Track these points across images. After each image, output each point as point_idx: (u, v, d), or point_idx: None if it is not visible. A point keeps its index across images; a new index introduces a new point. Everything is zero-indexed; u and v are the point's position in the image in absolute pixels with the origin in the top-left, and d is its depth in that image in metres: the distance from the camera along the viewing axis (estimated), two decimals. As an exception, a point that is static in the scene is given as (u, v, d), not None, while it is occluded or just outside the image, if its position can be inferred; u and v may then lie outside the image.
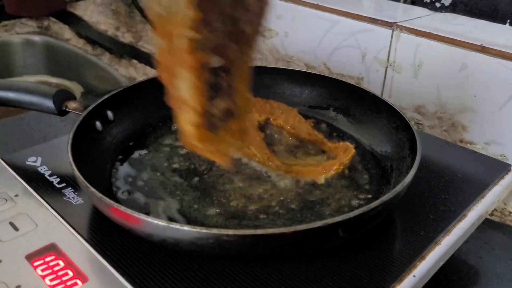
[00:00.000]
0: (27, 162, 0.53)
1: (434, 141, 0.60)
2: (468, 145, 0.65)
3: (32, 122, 0.76)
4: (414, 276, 0.40)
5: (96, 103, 0.53)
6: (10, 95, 0.53)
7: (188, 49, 0.31)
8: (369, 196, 0.47)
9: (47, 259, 0.41)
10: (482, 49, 0.61)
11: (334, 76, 0.78)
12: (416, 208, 0.47)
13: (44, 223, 0.45)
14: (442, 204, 0.48)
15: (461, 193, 0.50)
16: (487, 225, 0.59)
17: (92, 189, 0.39)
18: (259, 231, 0.35)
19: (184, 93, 0.33)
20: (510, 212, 0.62)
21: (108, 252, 0.41)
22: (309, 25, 0.80)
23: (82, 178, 0.40)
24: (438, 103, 0.67)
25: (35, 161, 0.53)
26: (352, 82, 0.76)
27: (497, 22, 0.69)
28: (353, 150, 0.49)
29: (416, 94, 0.69)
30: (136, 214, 0.36)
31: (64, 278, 0.39)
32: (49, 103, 0.53)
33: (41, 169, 0.52)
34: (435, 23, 0.69)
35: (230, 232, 0.35)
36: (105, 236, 0.42)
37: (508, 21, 0.70)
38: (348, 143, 0.51)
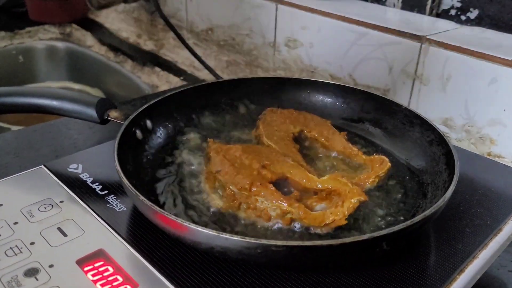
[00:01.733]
0: (68, 169, 0.54)
1: (465, 155, 0.61)
2: (496, 158, 0.66)
3: (62, 128, 0.78)
4: (454, 288, 0.41)
5: (136, 112, 0.54)
6: (55, 103, 0.55)
7: None
8: (405, 210, 0.48)
9: (96, 265, 0.42)
10: (512, 64, 0.62)
11: (360, 87, 0.79)
12: (453, 221, 0.48)
13: (91, 229, 0.46)
14: (478, 217, 0.49)
15: (496, 207, 0.51)
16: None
17: (142, 197, 0.40)
18: (307, 243, 0.36)
19: None
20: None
21: (154, 259, 0.42)
22: (335, 37, 0.81)
23: (131, 186, 0.41)
24: (466, 116, 0.68)
25: (76, 168, 0.55)
26: (378, 93, 0.77)
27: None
28: (389, 164, 0.50)
29: (443, 106, 0.70)
30: (186, 223, 0.37)
31: (115, 284, 0.40)
32: (91, 112, 0.55)
33: (82, 176, 0.53)
34: (463, 36, 0.70)
35: (279, 243, 0.36)
36: (151, 242, 0.43)
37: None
38: (383, 156, 0.52)
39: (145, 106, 0.56)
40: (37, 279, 0.40)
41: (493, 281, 0.54)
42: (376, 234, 0.36)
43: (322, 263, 0.40)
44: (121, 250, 0.43)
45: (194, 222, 0.45)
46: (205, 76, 1.07)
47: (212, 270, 0.41)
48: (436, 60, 0.69)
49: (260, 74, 0.98)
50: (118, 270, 0.41)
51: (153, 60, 1.17)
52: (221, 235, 0.36)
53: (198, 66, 1.05)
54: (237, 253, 0.38)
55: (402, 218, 0.47)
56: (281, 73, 0.94)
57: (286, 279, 0.40)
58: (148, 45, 1.22)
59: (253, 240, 0.36)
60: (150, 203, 0.40)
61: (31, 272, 0.41)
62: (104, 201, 0.49)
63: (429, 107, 0.72)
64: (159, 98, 0.58)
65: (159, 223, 0.41)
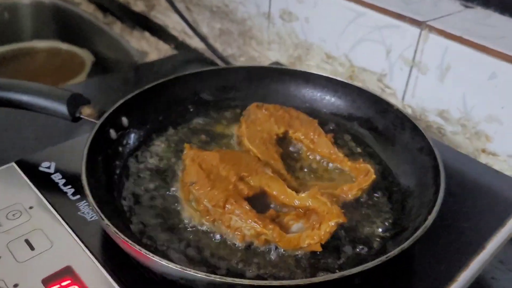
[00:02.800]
0: (40, 168, 0.52)
1: (458, 158, 0.59)
2: (491, 156, 0.63)
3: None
4: (431, 317, 0.40)
5: (111, 110, 0.51)
6: (24, 98, 0.52)
7: None
8: (389, 224, 0.46)
9: (63, 284, 0.41)
10: (515, 60, 0.57)
11: (356, 71, 0.76)
12: (437, 238, 0.46)
13: (60, 241, 0.44)
14: (463, 233, 0.47)
15: (482, 221, 0.49)
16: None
17: (107, 222, 0.38)
18: (274, 283, 0.34)
19: None
20: (528, 228, 0.61)
21: (124, 280, 0.40)
22: (332, 13, 0.76)
23: (98, 209, 0.39)
24: (463, 110, 0.64)
25: (49, 167, 0.52)
26: (374, 78, 0.73)
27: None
28: (373, 176, 0.48)
29: (440, 98, 0.66)
30: (150, 256, 0.36)
31: (81, 307, 0.39)
32: (62, 108, 0.52)
33: (54, 177, 0.51)
34: (466, 23, 0.65)
35: (246, 282, 0.34)
36: (122, 261, 0.42)
37: (543, 19, 0.66)
38: (368, 166, 0.49)
39: (121, 102, 0.53)
40: (0, 302, 0.39)
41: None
42: (347, 272, 0.35)
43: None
44: (90, 268, 0.42)
45: (170, 235, 0.43)
46: (197, 44, 1.02)
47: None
48: (435, 48, 0.64)
49: (254, 46, 0.94)
50: (85, 291, 0.40)
51: (143, 23, 1.11)
52: (186, 271, 0.35)
53: (190, 32, 1.00)
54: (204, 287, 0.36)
55: (386, 233, 0.45)
56: (275, 47, 0.89)
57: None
58: (138, 6, 1.16)
59: (217, 279, 0.34)
60: (114, 229, 0.38)
61: (-6, 293, 0.40)
62: (75, 208, 0.47)
63: (425, 97, 0.68)
64: (137, 92, 0.55)
65: (125, 250, 0.39)
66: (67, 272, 0.42)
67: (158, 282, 0.40)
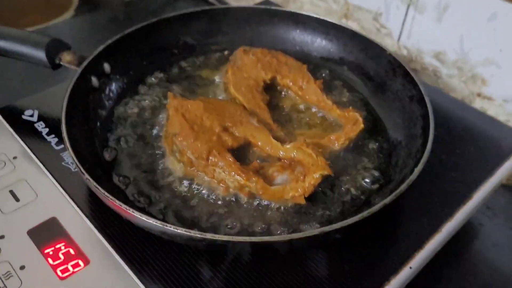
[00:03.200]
0: (23, 117, 0.51)
1: (451, 104, 0.57)
2: (486, 100, 0.62)
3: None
4: (410, 267, 0.40)
5: (92, 56, 0.50)
6: (1, 44, 0.50)
7: None
8: (376, 174, 0.45)
9: (48, 236, 0.41)
10: (517, 0, 0.54)
11: (350, 8, 0.72)
12: (424, 189, 0.46)
13: (44, 192, 0.44)
14: (450, 184, 0.47)
15: (471, 170, 0.48)
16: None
17: (88, 176, 0.38)
18: (254, 239, 0.34)
19: None
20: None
21: (109, 232, 0.41)
22: None
23: (78, 163, 0.39)
24: (460, 52, 0.62)
25: (32, 116, 0.51)
26: (370, 17, 0.70)
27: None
28: (362, 125, 0.47)
29: (437, 39, 0.64)
30: (132, 212, 0.36)
31: (67, 259, 0.39)
32: (41, 55, 0.50)
33: (38, 125, 0.50)
34: (468, -41, 0.61)
35: (225, 238, 0.34)
36: (106, 213, 0.42)
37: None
38: (357, 115, 0.48)
39: (102, 47, 0.51)
40: (-14, 254, 0.39)
41: (462, 235, 0.54)
42: (327, 228, 0.35)
43: (275, 254, 0.39)
44: (74, 220, 0.42)
45: (153, 188, 0.43)
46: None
47: (168, 251, 0.39)
48: (434, -14, 0.61)
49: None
50: (70, 242, 0.40)
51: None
52: (165, 227, 0.35)
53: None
54: (185, 242, 0.37)
55: (372, 185, 0.44)
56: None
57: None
58: None
59: (198, 234, 0.34)
60: (95, 183, 0.37)
61: (-19, 246, 0.40)
62: (59, 158, 0.47)
63: (422, 37, 0.66)
64: (118, 36, 0.53)
65: (108, 205, 0.39)
66: (52, 224, 0.42)
67: (141, 232, 0.40)
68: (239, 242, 0.34)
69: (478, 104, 0.62)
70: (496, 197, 0.58)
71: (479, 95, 0.62)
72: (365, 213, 0.36)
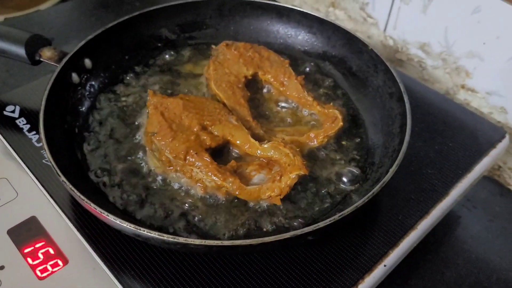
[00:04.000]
0: (4, 113, 0.51)
1: (432, 96, 0.57)
2: (469, 92, 0.62)
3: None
4: (385, 265, 0.41)
5: (72, 52, 0.49)
6: (-22, 40, 0.49)
7: None
8: (354, 173, 0.46)
9: (28, 236, 0.42)
10: (501, -6, 0.54)
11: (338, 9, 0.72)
12: (400, 186, 0.47)
13: (25, 191, 0.45)
14: (426, 181, 0.47)
15: (448, 167, 0.49)
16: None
17: (64, 178, 0.38)
18: (226, 243, 0.35)
19: None
20: (499, 167, 0.61)
21: (87, 231, 0.41)
22: None
23: (55, 164, 0.39)
24: (444, 44, 0.62)
25: (13, 111, 0.51)
26: (356, 6, 0.70)
27: None
28: (341, 123, 0.47)
29: (422, 30, 0.64)
30: (105, 214, 0.36)
31: (46, 258, 0.40)
32: (21, 51, 0.49)
33: (19, 122, 0.50)
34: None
35: (197, 242, 0.35)
36: (85, 212, 0.42)
37: None
38: (337, 112, 0.48)
39: (83, 43, 0.51)
40: (-34, 253, 0.40)
41: (442, 227, 0.55)
42: (299, 232, 0.35)
43: (248, 255, 0.40)
44: (54, 219, 0.43)
45: (130, 186, 0.43)
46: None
47: (147, 251, 0.40)
48: (420, -24, 0.60)
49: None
50: (50, 242, 0.41)
51: None
52: (139, 230, 0.35)
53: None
54: (159, 244, 0.37)
55: (349, 183, 0.45)
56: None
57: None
58: None
59: (171, 239, 0.35)
60: (71, 186, 0.38)
61: (-41, 245, 0.41)
62: (40, 156, 0.47)
63: (407, 28, 0.65)
64: (99, 31, 0.52)
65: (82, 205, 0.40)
66: (32, 223, 0.43)
67: (121, 235, 0.41)
68: (212, 245, 0.35)
69: (462, 96, 0.63)
70: (477, 189, 0.59)
71: (463, 87, 0.63)
72: (336, 217, 0.37)
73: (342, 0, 0.72)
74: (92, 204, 0.37)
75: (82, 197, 0.37)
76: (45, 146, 0.40)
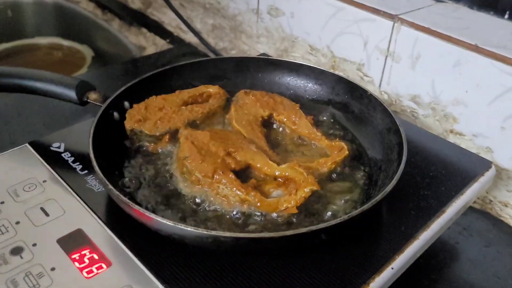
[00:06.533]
0: (51, 148, 0.58)
1: (425, 136, 0.65)
2: (458, 135, 0.70)
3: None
4: (392, 268, 0.46)
5: (115, 95, 0.58)
6: (38, 85, 0.58)
7: None
8: (358, 194, 0.52)
9: (75, 244, 0.47)
10: (476, 49, 0.64)
11: (337, 61, 0.82)
12: (401, 203, 0.53)
13: (71, 209, 0.51)
14: (424, 200, 0.54)
15: (443, 189, 0.55)
16: (468, 211, 0.65)
17: (111, 186, 0.45)
18: (252, 235, 0.41)
19: None
20: (490, 201, 0.68)
21: (128, 239, 0.47)
22: (314, 9, 0.83)
23: (103, 177, 0.46)
24: (432, 95, 0.71)
25: (59, 147, 0.59)
26: (354, 67, 0.80)
27: (496, 13, 0.72)
28: (346, 152, 0.54)
29: (412, 84, 0.73)
30: (147, 213, 0.42)
31: (92, 262, 0.45)
32: (71, 94, 0.58)
33: (64, 155, 0.57)
34: (435, 16, 0.72)
35: (227, 234, 0.41)
36: (126, 223, 0.48)
37: (508, 12, 0.72)
38: (343, 143, 0.56)
39: (123, 88, 0.59)
40: (21, 257, 0.45)
41: (442, 251, 0.60)
42: (314, 227, 0.41)
43: (268, 250, 0.46)
44: (98, 230, 0.48)
45: (166, 207, 0.49)
46: (191, 39, 1.08)
47: (182, 254, 0.45)
48: (407, 39, 0.71)
49: (244, 39, 1.00)
50: (94, 249, 0.47)
51: (140, 19, 1.17)
52: (177, 225, 0.41)
53: (185, 28, 1.07)
54: (192, 240, 0.43)
55: (355, 202, 0.51)
56: (263, 40, 0.96)
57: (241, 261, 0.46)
58: (135, 3, 1.22)
59: (204, 232, 0.41)
60: (117, 192, 0.44)
61: (17, 251, 0.46)
62: (83, 181, 0.54)
63: (399, 83, 0.75)
64: (137, 80, 0.61)
65: (126, 210, 0.46)
66: (78, 234, 0.48)
67: (155, 239, 0.46)
68: (241, 238, 0.40)
69: (451, 139, 0.70)
70: (472, 219, 0.65)
71: (451, 131, 0.71)
72: (345, 216, 0.43)
73: (341, 62, 0.82)
74: (136, 206, 0.43)
75: (128, 202, 0.43)
76: (95, 164, 0.47)
